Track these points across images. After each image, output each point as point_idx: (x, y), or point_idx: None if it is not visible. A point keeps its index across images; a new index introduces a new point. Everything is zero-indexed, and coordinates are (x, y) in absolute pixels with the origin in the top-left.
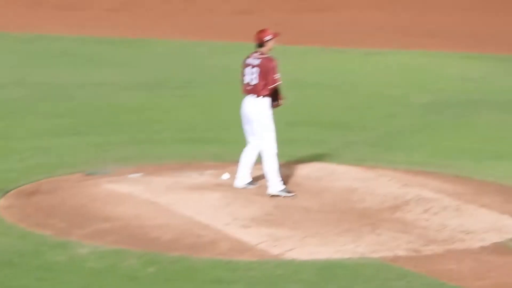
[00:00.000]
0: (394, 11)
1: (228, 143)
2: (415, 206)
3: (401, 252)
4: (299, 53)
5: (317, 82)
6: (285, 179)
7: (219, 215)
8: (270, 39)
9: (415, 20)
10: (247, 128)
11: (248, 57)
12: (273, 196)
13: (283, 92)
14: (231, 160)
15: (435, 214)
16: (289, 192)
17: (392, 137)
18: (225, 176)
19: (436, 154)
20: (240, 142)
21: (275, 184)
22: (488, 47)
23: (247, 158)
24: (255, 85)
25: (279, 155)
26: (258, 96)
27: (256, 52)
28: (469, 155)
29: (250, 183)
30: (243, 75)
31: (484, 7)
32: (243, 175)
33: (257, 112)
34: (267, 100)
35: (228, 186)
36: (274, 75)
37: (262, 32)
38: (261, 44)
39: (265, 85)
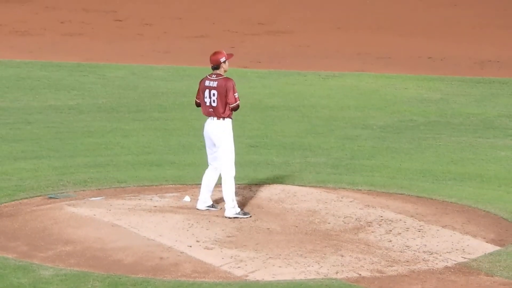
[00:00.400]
0: (352, 34)
1: (188, 166)
2: (377, 227)
3: (365, 273)
4: (259, 76)
5: (277, 105)
6: (247, 201)
7: (181, 237)
8: (225, 61)
9: (372, 43)
10: (209, 150)
11: (205, 78)
12: (231, 218)
13: (243, 112)
14: (192, 183)
15: (398, 234)
16: (245, 214)
17: (353, 159)
18: (186, 199)
19: (396, 176)
20: (200, 165)
21: (232, 207)
22: (445, 70)
23: (208, 181)
24: (215, 107)
25: (241, 177)
26: (219, 118)
27: (212, 74)
28: (430, 176)
29: (211, 206)
30: (203, 97)
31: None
32: (204, 198)
33: (219, 133)
34: (229, 122)
35: (190, 208)
36: (234, 93)
37: (216, 54)
38: (216, 66)
39: (226, 105)
